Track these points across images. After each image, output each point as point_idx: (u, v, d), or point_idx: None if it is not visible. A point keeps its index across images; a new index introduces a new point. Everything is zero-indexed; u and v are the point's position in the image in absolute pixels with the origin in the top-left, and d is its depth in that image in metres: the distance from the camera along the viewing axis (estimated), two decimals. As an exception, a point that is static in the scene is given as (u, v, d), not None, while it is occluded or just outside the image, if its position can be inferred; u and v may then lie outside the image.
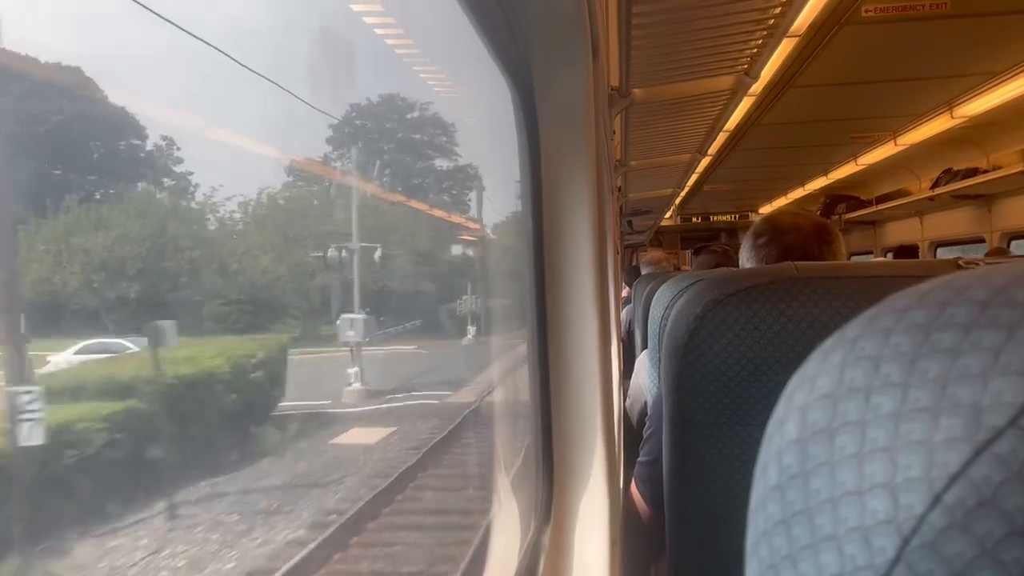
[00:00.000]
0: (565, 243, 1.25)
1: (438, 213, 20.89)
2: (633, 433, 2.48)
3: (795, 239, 1.72)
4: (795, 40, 3.62)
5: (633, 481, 1.63)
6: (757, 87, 4.00)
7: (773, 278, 1.05)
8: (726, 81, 2.89)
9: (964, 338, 0.23)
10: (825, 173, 8.30)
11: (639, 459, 1.62)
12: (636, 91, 2.75)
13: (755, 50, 2.60)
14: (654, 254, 6.51)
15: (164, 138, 11.41)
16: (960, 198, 6.65)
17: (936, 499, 0.21)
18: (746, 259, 1.82)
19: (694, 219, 12.39)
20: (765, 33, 2.47)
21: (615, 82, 2.56)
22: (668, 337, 1.11)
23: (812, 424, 0.26)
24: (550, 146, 1.21)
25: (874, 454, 0.23)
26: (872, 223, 9.29)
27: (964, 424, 0.21)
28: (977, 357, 0.22)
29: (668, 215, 11.60)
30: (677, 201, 9.72)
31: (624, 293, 5.97)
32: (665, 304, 1.69)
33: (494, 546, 1.42)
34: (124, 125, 10.46)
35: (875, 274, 1.06)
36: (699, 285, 1.11)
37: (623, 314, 5.00)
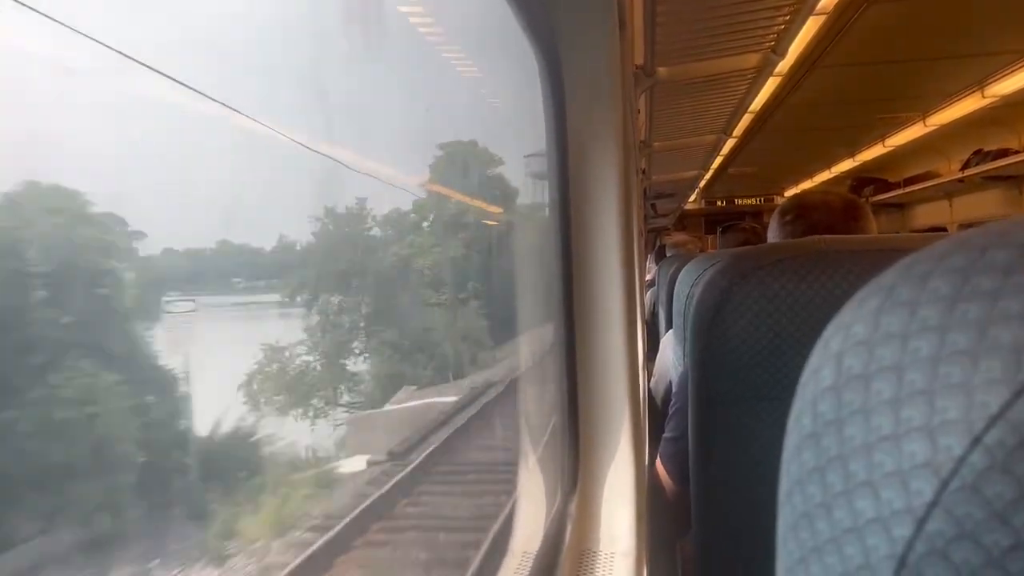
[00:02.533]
0: (592, 219, 1.25)
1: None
2: (658, 413, 2.48)
3: (822, 216, 1.70)
4: (822, 18, 3.57)
5: (658, 458, 1.63)
6: (783, 67, 3.94)
7: (799, 252, 1.04)
8: (752, 59, 2.86)
9: (1004, 281, 0.23)
10: (852, 155, 8.20)
11: (664, 435, 1.62)
12: (661, 70, 2.73)
13: (782, 26, 2.57)
14: (678, 237, 6.48)
15: None
16: (991, 179, 6.55)
17: (976, 440, 0.21)
18: (773, 237, 1.80)
19: (718, 202, 12.32)
20: (792, 10, 2.43)
21: (640, 60, 2.54)
22: (694, 312, 1.11)
23: (847, 370, 0.26)
24: (577, 118, 1.21)
25: (912, 398, 0.23)
26: (900, 206, 9.18)
27: (1004, 365, 0.21)
28: (1018, 299, 0.22)
29: (692, 198, 11.53)
30: (701, 184, 9.66)
31: (649, 276, 5.95)
32: (691, 282, 1.69)
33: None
34: None
35: (903, 247, 1.05)
36: (725, 260, 1.10)
37: (647, 296, 4.99)
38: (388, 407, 9.73)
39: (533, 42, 1.16)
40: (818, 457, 0.26)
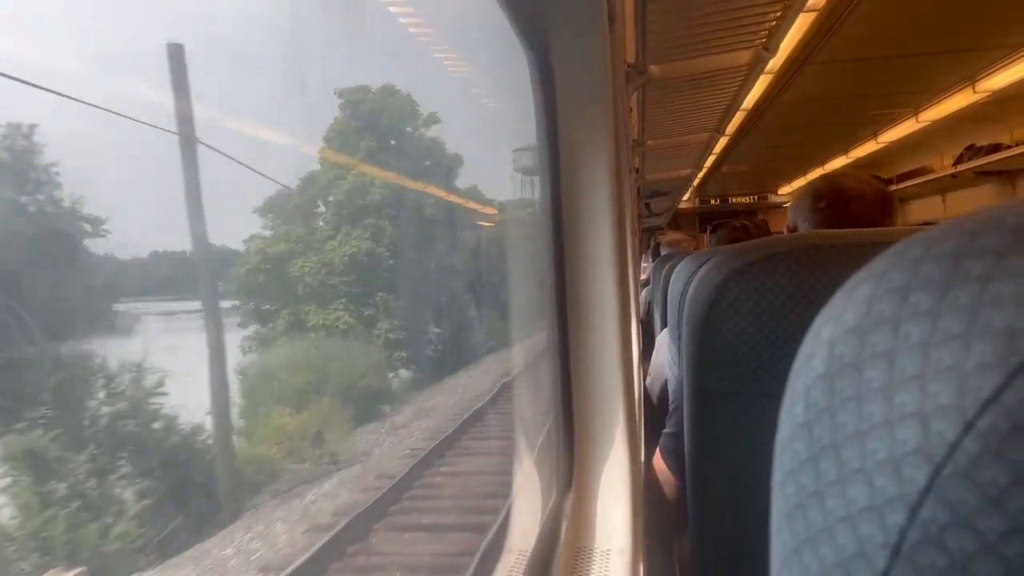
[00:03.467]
0: (584, 217, 1.25)
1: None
2: (653, 412, 2.48)
3: (861, 208, 1.64)
4: (813, 15, 3.57)
5: (656, 456, 1.63)
6: (775, 64, 3.95)
7: (792, 247, 1.04)
8: (744, 56, 2.86)
9: (996, 265, 0.22)
10: (845, 152, 8.23)
11: (666, 431, 1.61)
12: (652, 68, 2.73)
13: (773, 23, 2.57)
14: (673, 236, 6.48)
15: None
16: (983, 175, 6.57)
17: (968, 426, 0.21)
18: (802, 220, 1.72)
19: (712, 201, 12.36)
20: (783, 6, 2.44)
21: (631, 59, 2.54)
22: (689, 308, 1.11)
23: (839, 358, 0.26)
24: (568, 115, 1.21)
25: (904, 384, 0.23)
26: (893, 202, 9.20)
27: (997, 349, 0.21)
28: (1010, 282, 0.22)
29: (686, 197, 11.56)
30: (695, 182, 9.68)
31: (644, 275, 5.96)
32: (685, 279, 1.68)
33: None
34: None
35: (896, 240, 1.05)
36: (719, 256, 1.10)
37: (642, 296, 5.00)
38: None
39: (523, 40, 1.16)
40: (811, 446, 0.26)
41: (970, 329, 0.22)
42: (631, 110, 3.16)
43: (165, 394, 5.99)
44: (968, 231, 0.24)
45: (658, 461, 1.59)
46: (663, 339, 2.62)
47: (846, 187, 1.69)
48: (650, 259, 6.74)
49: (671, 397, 1.64)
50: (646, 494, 1.49)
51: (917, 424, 0.22)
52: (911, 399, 0.22)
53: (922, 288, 0.24)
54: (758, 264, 1.04)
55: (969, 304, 0.22)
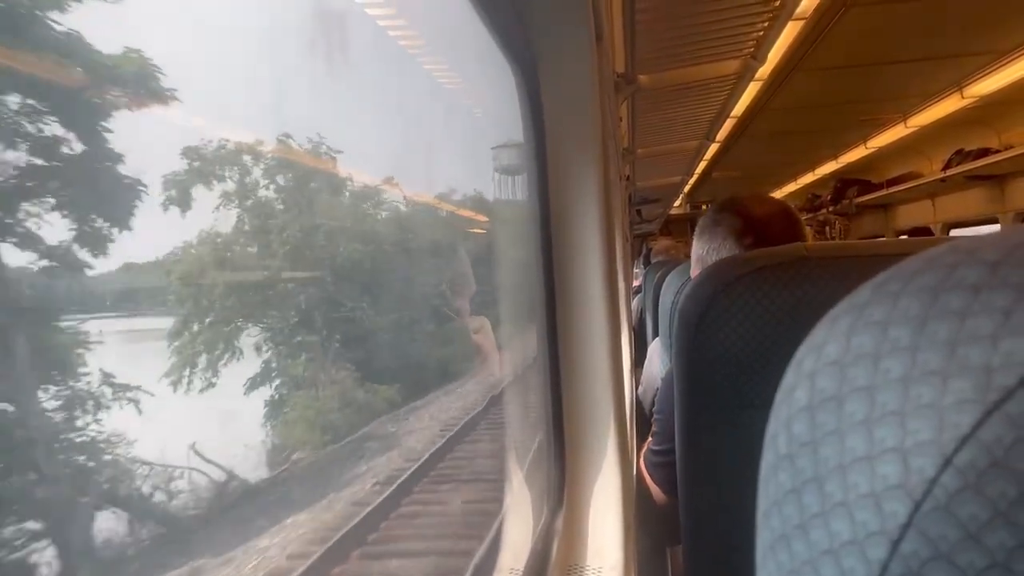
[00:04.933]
0: (573, 230, 1.25)
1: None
2: (646, 422, 2.48)
3: (778, 231, 1.60)
4: (801, 23, 3.60)
5: (643, 468, 1.62)
6: (764, 71, 3.97)
7: (782, 259, 1.04)
8: (732, 65, 2.88)
9: (974, 299, 0.23)
10: (835, 157, 8.28)
11: (651, 447, 1.61)
12: (642, 77, 2.75)
13: (761, 32, 2.59)
14: (664, 243, 6.50)
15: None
16: (972, 179, 6.61)
17: (947, 462, 0.21)
18: (725, 254, 1.62)
19: (703, 206, 12.41)
20: (770, 15, 2.46)
21: (620, 68, 2.55)
22: (679, 320, 1.11)
23: (821, 391, 0.26)
24: (556, 129, 1.21)
25: (884, 419, 0.23)
26: (883, 207, 9.25)
27: (974, 385, 0.21)
28: (987, 318, 0.22)
29: (677, 203, 11.61)
30: (686, 189, 9.72)
31: (636, 282, 5.97)
32: (676, 289, 1.68)
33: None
34: None
35: (887, 252, 1.05)
36: (709, 268, 1.10)
37: (634, 303, 5.00)
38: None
39: (509, 52, 1.16)
40: (794, 478, 0.26)
41: (948, 365, 0.22)
42: (621, 119, 3.17)
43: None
44: (946, 264, 0.25)
45: (647, 475, 1.59)
46: (655, 348, 2.62)
47: (760, 215, 1.65)
48: (642, 265, 6.76)
49: (657, 407, 1.63)
50: (640, 506, 1.48)
51: (897, 459, 0.22)
52: (891, 434, 0.23)
53: (901, 322, 0.24)
54: (748, 276, 1.04)
55: (947, 339, 0.23)
